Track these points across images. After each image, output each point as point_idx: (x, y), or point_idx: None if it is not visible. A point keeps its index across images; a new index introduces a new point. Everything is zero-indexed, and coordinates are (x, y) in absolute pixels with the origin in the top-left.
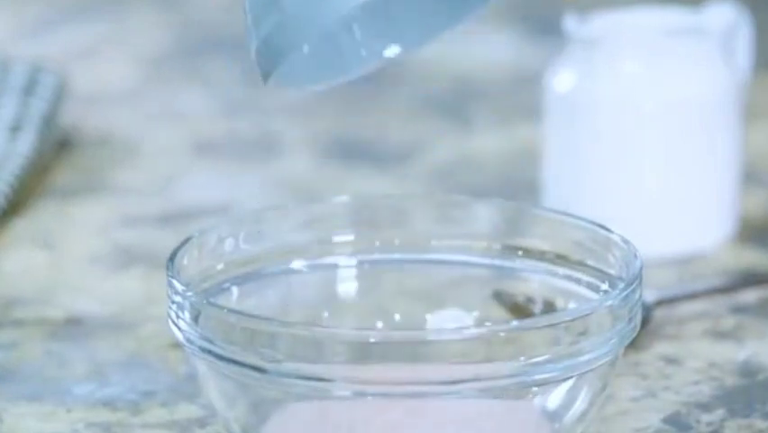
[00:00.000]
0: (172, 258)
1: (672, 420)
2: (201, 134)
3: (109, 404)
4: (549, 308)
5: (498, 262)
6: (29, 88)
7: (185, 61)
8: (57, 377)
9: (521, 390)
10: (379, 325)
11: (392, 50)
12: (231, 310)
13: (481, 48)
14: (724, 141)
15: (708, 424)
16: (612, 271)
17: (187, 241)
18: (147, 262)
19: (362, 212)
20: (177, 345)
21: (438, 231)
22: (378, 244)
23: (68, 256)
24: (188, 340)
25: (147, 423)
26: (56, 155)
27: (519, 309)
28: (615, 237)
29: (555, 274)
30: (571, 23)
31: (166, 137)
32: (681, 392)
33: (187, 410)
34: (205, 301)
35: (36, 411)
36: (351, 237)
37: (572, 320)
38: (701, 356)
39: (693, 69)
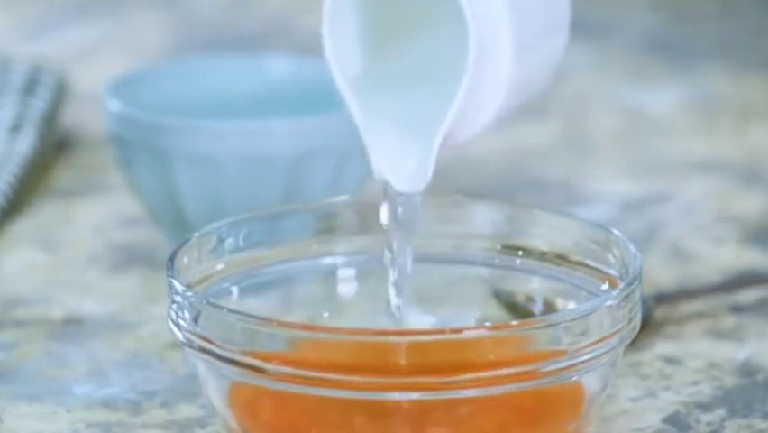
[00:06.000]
0: (172, 258)
1: (672, 420)
2: None
3: (109, 404)
4: (549, 308)
5: (498, 262)
6: (29, 88)
7: None
8: (57, 377)
9: (521, 390)
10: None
11: None
12: (231, 310)
13: None
14: None
15: (708, 424)
16: (612, 271)
17: (187, 241)
18: (147, 262)
19: (362, 212)
20: (177, 345)
21: (438, 231)
22: (378, 244)
23: (68, 256)
24: (188, 340)
25: (147, 423)
26: (56, 155)
27: (519, 309)
28: (615, 237)
29: (555, 274)
30: None
31: None
32: (681, 392)
33: (187, 410)
34: (205, 301)
35: (36, 411)
36: (351, 237)
37: (572, 320)
38: (701, 356)
39: None
